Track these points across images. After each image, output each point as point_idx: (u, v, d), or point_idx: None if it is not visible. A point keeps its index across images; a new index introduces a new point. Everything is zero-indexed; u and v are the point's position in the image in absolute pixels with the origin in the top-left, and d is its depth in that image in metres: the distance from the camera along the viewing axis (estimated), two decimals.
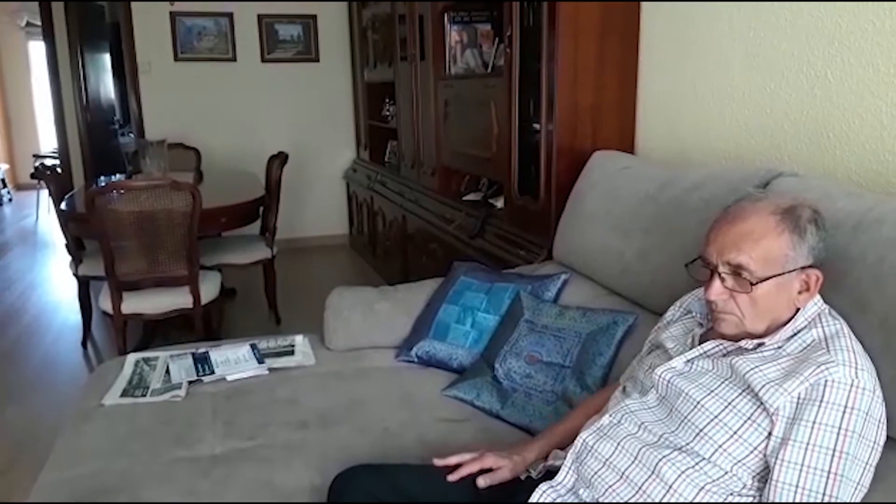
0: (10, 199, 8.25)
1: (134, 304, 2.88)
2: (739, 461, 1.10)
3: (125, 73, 5.44)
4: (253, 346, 2.07)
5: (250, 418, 1.73)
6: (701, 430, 1.12)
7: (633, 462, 1.16)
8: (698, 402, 1.14)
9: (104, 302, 2.90)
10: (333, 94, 5.54)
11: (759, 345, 1.15)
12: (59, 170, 4.48)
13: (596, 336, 1.78)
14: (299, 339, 2.13)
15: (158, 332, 3.49)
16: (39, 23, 6.92)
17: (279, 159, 3.88)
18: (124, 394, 1.85)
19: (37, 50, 8.93)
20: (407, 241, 4.03)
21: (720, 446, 1.10)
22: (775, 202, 1.17)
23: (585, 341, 1.78)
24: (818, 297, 1.18)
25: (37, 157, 8.43)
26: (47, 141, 9.10)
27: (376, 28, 4.80)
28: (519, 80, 2.69)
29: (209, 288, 3.05)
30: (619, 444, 1.19)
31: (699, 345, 1.25)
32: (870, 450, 1.05)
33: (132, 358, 2.04)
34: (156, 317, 2.97)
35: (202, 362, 2.00)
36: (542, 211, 2.56)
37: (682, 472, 1.11)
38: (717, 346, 1.22)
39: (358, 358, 2.06)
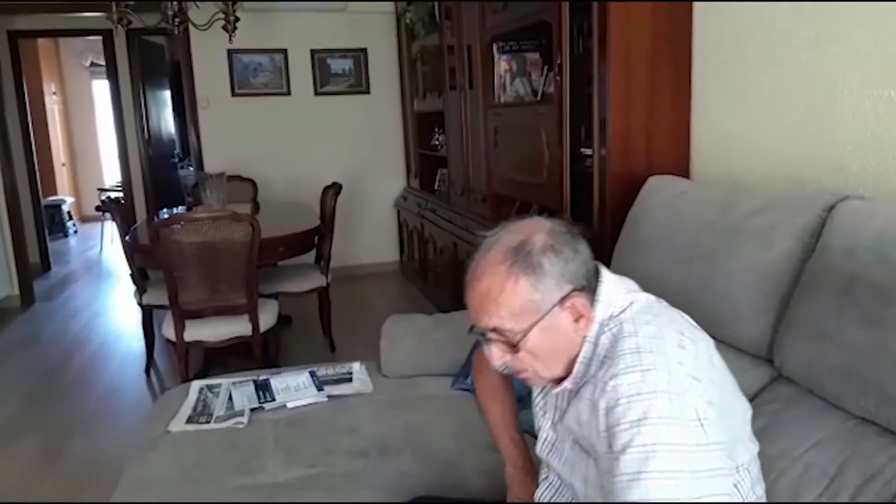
0: (76, 231, 8.60)
1: (196, 332, 2.96)
2: None
3: (185, 108, 5.66)
4: (312, 374, 2.11)
5: (311, 446, 1.76)
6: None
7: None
8: (570, 483, 1.14)
9: (167, 330, 3.00)
10: (384, 124, 5.65)
11: (572, 390, 1.10)
12: (122, 202, 4.67)
13: None
14: (356, 367, 2.16)
15: (217, 359, 3.57)
16: (103, 62, 7.27)
17: (333, 189, 3.96)
18: (189, 420, 1.90)
19: (100, 88, 9.37)
20: (458, 268, 4.05)
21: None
22: (504, 245, 1.06)
23: None
24: (611, 296, 1.09)
25: (101, 190, 8.80)
26: (111, 174, 9.50)
27: (425, 59, 4.89)
28: (570, 107, 2.71)
29: (267, 316, 3.11)
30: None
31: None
32: (701, 452, 0.93)
33: (196, 385, 2.09)
34: (216, 344, 3.05)
35: (263, 389, 2.04)
36: (596, 237, 2.55)
37: None
38: (556, 397, 1.16)
39: (414, 385, 2.08)
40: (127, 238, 3.48)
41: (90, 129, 9.79)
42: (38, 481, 2.60)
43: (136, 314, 4.82)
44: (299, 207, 4.38)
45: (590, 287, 1.07)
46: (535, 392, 1.22)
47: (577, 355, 1.07)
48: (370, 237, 5.70)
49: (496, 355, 1.08)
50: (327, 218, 3.91)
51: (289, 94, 5.46)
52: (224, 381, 2.10)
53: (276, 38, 5.30)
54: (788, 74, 2.02)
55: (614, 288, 1.11)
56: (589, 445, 1.05)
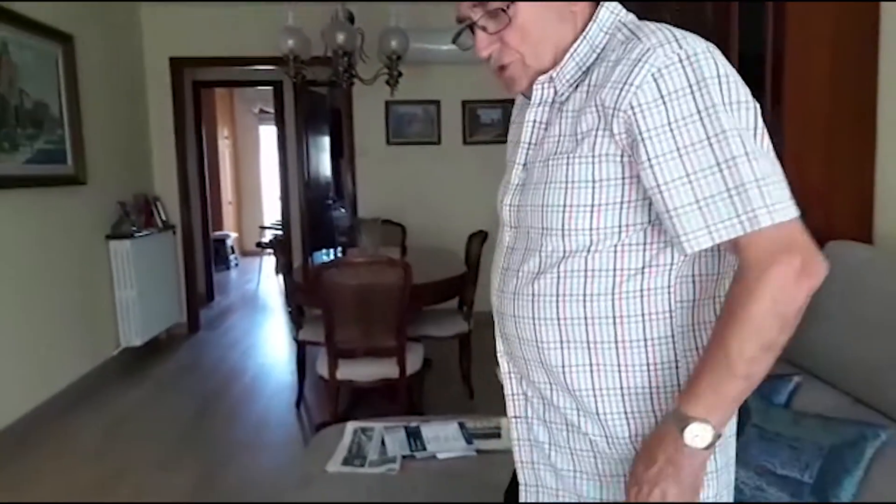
0: (237, 265, 9.29)
1: (348, 371, 3.07)
2: (612, 235, 0.93)
3: (342, 153, 6.01)
4: (461, 425, 2.11)
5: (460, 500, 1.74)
6: (562, 229, 0.95)
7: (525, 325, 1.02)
8: (544, 206, 0.97)
9: (321, 367, 3.13)
10: None
11: (556, 100, 1.00)
12: (281, 239, 5.00)
13: (841, 451, 1.59)
14: (504, 422, 2.13)
15: (363, 399, 3.68)
16: (271, 109, 7.90)
17: (479, 237, 4.01)
18: (345, 462, 1.95)
19: (266, 133, 10.18)
20: None
21: (585, 229, 0.94)
22: None
23: (828, 456, 1.60)
24: (615, 6, 1.00)
25: (262, 227, 9.49)
26: (270, 213, 10.22)
27: None
28: None
29: (414, 359, 3.17)
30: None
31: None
32: (746, 110, 0.87)
33: (351, 426, 2.15)
34: (365, 384, 3.14)
35: (415, 437, 2.06)
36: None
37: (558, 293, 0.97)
38: (535, 111, 1.03)
39: None
40: (288, 276, 3.70)
41: (255, 170, 10.64)
42: (198, 501, 2.77)
43: (287, 347, 5.12)
44: (446, 253, 4.47)
45: None
46: (513, 116, 1.14)
47: (566, 52, 0.99)
48: None
49: (482, 42, 1.01)
50: (472, 265, 3.96)
51: (439, 143, 5.65)
52: (377, 426, 2.14)
53: (430, 89, 5.52)
54: None
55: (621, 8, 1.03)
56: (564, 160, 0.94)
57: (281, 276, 7.37)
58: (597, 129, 0.92)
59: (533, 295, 0.99)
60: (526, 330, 1.01)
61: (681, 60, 0.86)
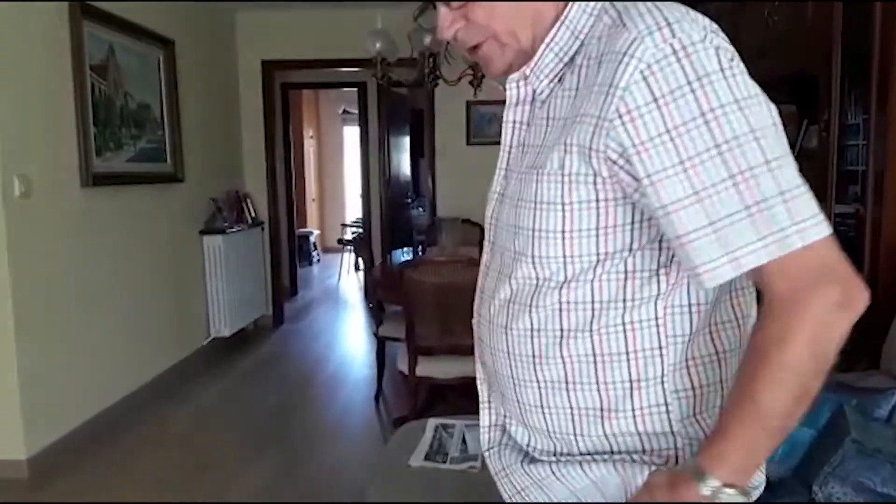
0: (319, 261, 9.55)
1: (427, 367, 3.11)
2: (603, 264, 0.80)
3: (422, 153, 6.08)
4: None
5: None
6: (531, 255, 0.83)
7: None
8: (516, 226, 0.85)
9: (402, 363, 3.19)
10: None
11: (537, 98, 0.86)
12: (362, 237, 5.11)
13: None
14: None
15: (440, 395, 3.72)
16: (354, 110, 8.08)
17: None
18: (427, 457, 1.98)
19: (349, 133, 10.42)
20: None
21: (558, 256, 0.81)
22: None
23: None
24: None
25: (343, 225, 9.72)
26: (351, 211, 10.46)
27: None
28: (836, 164, 2.47)
29: None
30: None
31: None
32: (759, 107, 0.71)
33: (432, 423, 2.19)
34: (443, 381, 3.18)
35: None
36: (864, 312, 2.27)
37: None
38: (513, 121, 0.90)
39: None
40: (369, 273, 3.78)
41: (338, 169, 10.91)
42: (280, 489, 2.87)
43: (366, 342, 5.23)
44: None
45: None
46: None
47: (551, 24, 0.84)
48: None
49: (445, 20, 0.86)
50: None
51: None
52: (458, 423, 2.17)
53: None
54: None
55: None
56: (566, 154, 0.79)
57: (361, 273, 7.53)
58: (571, 144, 0.78)
59: (506, 328, 0.88)
60: (502, 364, 0.91)
61: (675, 52, 0.71)
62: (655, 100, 0.71)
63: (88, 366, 3.42)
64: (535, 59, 0.85)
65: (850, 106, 2.49)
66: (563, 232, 0.79)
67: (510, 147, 0.91)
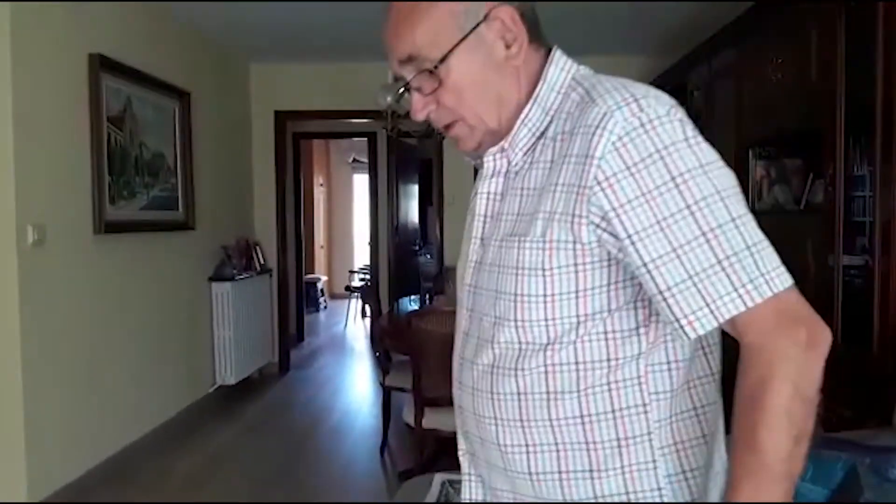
0: (325, 307, 9.55)
1: (434, 419, 3.08)
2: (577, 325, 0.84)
3: (430, 202, 6.13)
4: None
5: None
6: (514, 320, 0.86)
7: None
8: (497, 290, 0.88)
9: (407, 415, 3.15)
10: None
11: (511, 169, 0.91)
12: (370, 284, 5.11)
13: None
14: None
15: (448, 449, 3.66)
16: (364, 159, 8.18)
17: None
18: None
19: (359, 181, 10.53)
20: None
21: (541, 320, 0.84)
22: None
23: None
24: (565, 62, 0.92)
25: (351, 272, 9.74)
26: (359, 258, 10.50)
27: None
28: (842, 218, 2.48)
29: None
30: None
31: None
32: (720, 170, 0.79)
33: (439, 478, 2.15)
34: (451, 435, 3.12)
35: None
36: (875, 365, 2.25)
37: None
38: (489, 182, 0.93)
39: None
40: (376, 322, 3.78)
41: (347, 216, 11.00)
42: None
43: (371, 390, 5.19)
44: None
45: (531, 19, 0.91)
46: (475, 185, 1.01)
47: (515, 110, 0.90)
48: None
49: (417, 104, 0.92)
50: None
51: None
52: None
53: None
54: None
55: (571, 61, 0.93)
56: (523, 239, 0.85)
57: (368, 320, 7.51)
58: (554, 212, 0.82)
59: (492, 393, 0.89)
60: (488, 431, 0.91)
61: (643, 124, 0.78)
62: (628, 167, 0.77)
63: (94, 412, 3.40)
64: (511, 134, 0.91)
65: (855, 158, 2.51)
66: (545, 296, 0.84)
67: (484, 217, 0.95)
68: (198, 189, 4.53)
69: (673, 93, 3.26)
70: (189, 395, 4.47)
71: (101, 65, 3.43)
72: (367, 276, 7.92)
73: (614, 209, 0.78)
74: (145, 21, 3.96)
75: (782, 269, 0.77)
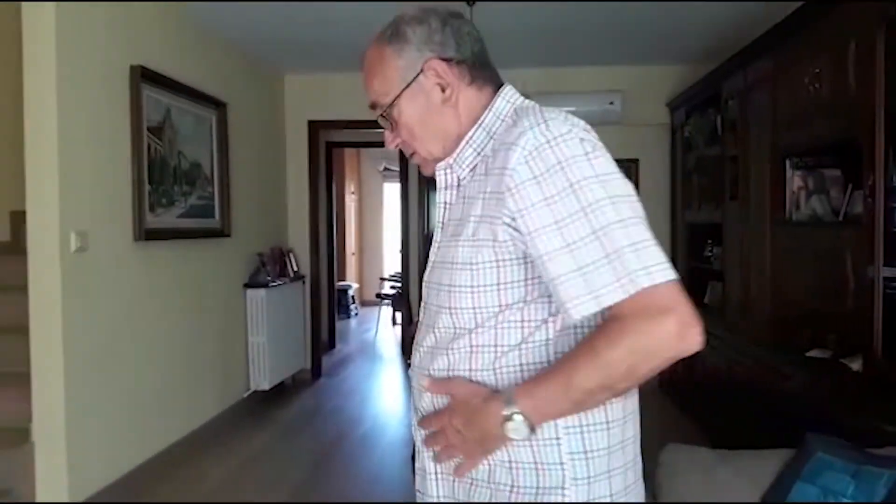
0: (356, 314, 9.61)
1: None
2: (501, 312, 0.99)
3: None
4: None
5: None
6: (448, 307, 1.02)
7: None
8: (440, 283, 1.05)
9: None
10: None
11: (461, 183, 1.08)
12: (401, 293, 5.13)
13: None
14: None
15: None
16: (395, 167, 8.23)
17: None
18: None
19: (389, 189, 10.60)
20: (731, 393, 3.74)
21: (468, 308, 1.00)
22: (385, 28, 1.11)
23: None
24: (511, 95, 1.10)
25: (382, 279, 9.79)
26: (390, 265, 10.56)
27: (702, 170, 4.77)
28: (883, 229, 2.44)
29: None
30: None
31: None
32: (615, 181, 0.92)
33: None
34: None
35: None
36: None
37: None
38: (443, 202, 1.11)
39: None
40: (407, 329, 3.79)
41: (378, 224, 11.08)
42: None
43: (402, 399, 5.20)
44: None
45: (471, 65, 1.09)
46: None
47: (457, 140, 1.08)
48: None
49: (388, 137, 1.14)
50: None
51: None
52: None
53: None
54: None
55: (518, 94, 1.11)
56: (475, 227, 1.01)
57: (398, 328, 7.55)
58: (480, 215, 0.99)
59: (428, 370, 1.05)
60: (426, 404, 1.08)
61: (548, 141, 0.92)
62: (535, 177, 0.92)
63: (132, 416, 3.48)
64: (456, 153, 1.09)
65: (895, 168, 2.47)
66: (472, 287, 0.99)
67: (441, 224, 1.11)
68: (234, 197, 4.61)
69: (707, 102, 3.27)
70: (224, 400, 4.54)
71: (143, 76, 3.52)
72: (398, 284, 7.95)
73: (520, 210, 0.93)
74: (184, 34, 4.06)
75: (664, 265, 0.88)
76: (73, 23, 3.06)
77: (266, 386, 4.93)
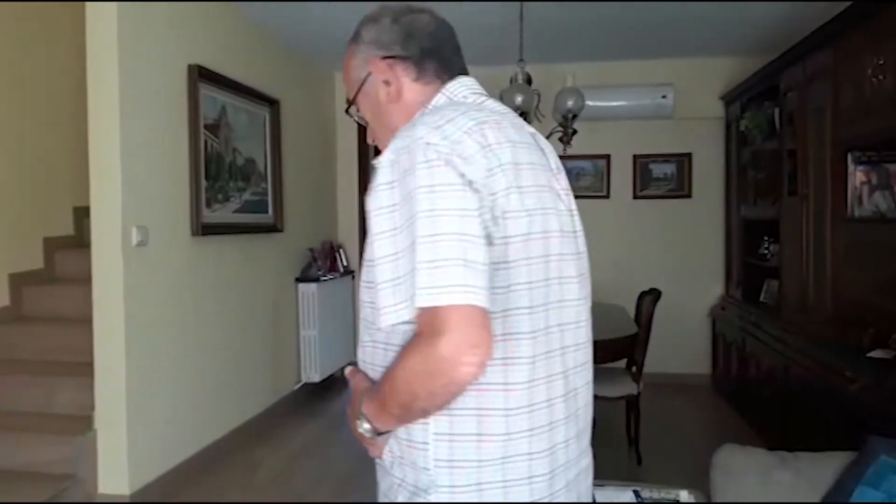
0: None
1: None
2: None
3: None
4: (636, 493, 2.05)
5: None
6: (363, 302, 1.04)
7: None
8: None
9: None
10: (704, 229, 5.46)
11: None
12: None
13: None
14: (684, 495, 2.04)
15: None
16: None
17: (652, 296, 3.90)
18: None
19: None
20: (789, 395, 3.64)
21: (373, 303, 0.99)
22: None
23: None
24: (454, 88, 1.09)
25: None
26: None
27: (759, 165, 4.65)
28: None
29: None
30: None
31: None
32: (449, 194, 0.88)
33: None
34: None
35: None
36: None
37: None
38: None
39: None
40: None
41: None
42: None
43: None
44: (615, 310, 4.38)
45: (417, 61, 1.09)
46: None
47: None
48: (681, 345, 5.43)
49: (369, 133, 1.19)
50: (643, 323, 3.85)
51: (608, 196, 5.60)
52: None
53: (601, 144, 5.52)
54: None
55: (467, 87, 1.10)
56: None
57: None
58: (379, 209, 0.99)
59: (361, 362, 1.08)
60: None
61: (406, 146, 0.92)
62: (389, 182, 0.93)
63: (188, 407, 3.59)
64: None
65: None
66: (368, 283, 1.00)
67: None
68: (286, 193, 4.70)
69: (764, 95, 3.21)
70: (276, 392, 4.64)
71: (200, 75, 3.61)
72: None
73: (370, 212, 0.95)
74: (238, 33, 4.15)
75: (458, 288, 0.85)
76: (133, 23, 3.16)
77: (317, 378, 5.02)
